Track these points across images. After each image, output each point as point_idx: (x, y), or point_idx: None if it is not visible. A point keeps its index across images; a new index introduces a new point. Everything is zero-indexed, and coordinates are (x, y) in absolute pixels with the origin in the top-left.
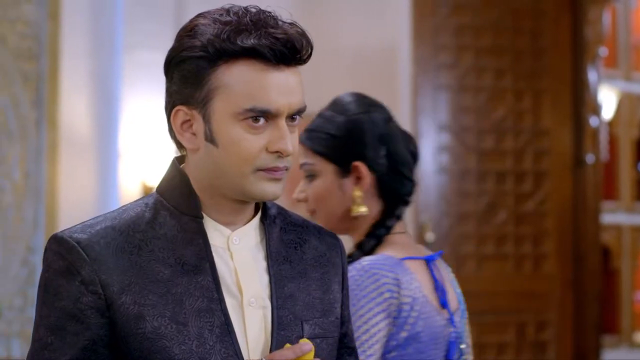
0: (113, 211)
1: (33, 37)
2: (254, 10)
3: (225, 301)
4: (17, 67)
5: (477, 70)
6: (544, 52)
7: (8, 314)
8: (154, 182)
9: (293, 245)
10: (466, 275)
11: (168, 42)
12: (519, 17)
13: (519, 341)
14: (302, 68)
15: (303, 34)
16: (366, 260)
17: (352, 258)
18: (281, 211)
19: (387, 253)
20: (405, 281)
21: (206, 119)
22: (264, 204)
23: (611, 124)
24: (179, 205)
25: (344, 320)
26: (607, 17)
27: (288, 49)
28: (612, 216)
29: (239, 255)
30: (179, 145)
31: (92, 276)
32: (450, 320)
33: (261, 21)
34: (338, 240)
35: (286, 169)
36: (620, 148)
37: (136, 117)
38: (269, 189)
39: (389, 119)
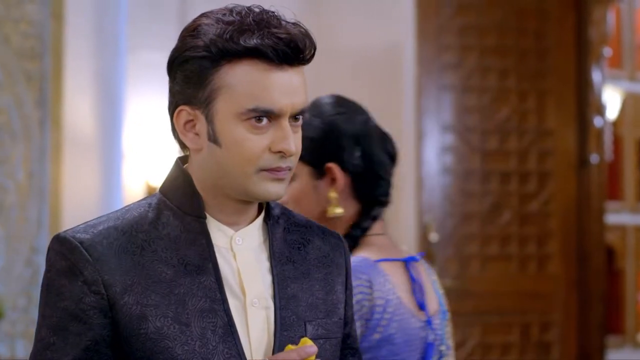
0: (116, 211)
1: (36, 37)
2: (257, 10)
3: (228, 302)
4: (21, 66)
5: (481, 71)
6: (548, 52)
7: (12, 314)
8: (158, 182)
9: (296, 245)
10: (470, 275)
11: (172, 43)
12: (523, 17)
13: (523, 341)
14: (306, 68)
15: (306, 34)
16: None
17: None
18: (285, 211)
19: (362, 255)
20: (378, 283)
21: (209, 119)
22: (268, 204)
23: (615, 124)
24: (182, 205)
25: (347, 321)
26: (611, 18)
27: (291, 49)
28: (617, 216)
29: (242, 256)
30: (182, 146)
31: (95, 276)
32: (428, 322)
33: (264, 21)
34: (342, 240)
35: (289, 169)
36: (624, 148)
37: (140, 117)
38: (272, 189)
39: (366, 120)
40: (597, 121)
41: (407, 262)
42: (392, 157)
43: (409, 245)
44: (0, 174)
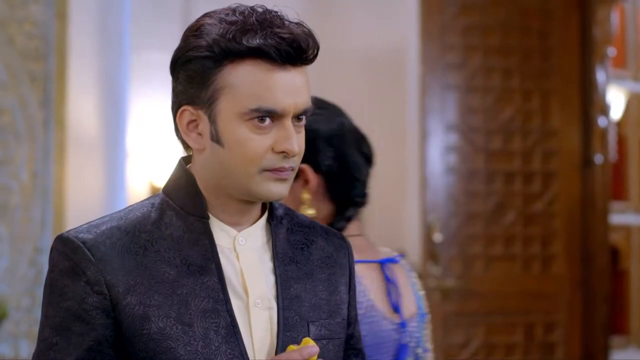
0: (119, 211)
1: (40, 37)
2: (260, 9)
3: (231, 302)
4: (25, 67)
5: (485, 70)
6: (552, 52)
7: (16, 314)
8: (162, 182)
9: (300, 246)
10: (474, 275)
11: (176, 42)
12: (527, 17)
13: (527, 342)
14: (310, 68)
15: (309, 34)
16: None
17: None
18: (288, 212)
19: None
20: None
21: (212, 119)
22: (271, 204)
23: (620, 124)
24: (185, 205)
25: (351, 322)
26: (615, 17)
27: (294, 49)
28: (621, 217)
29: (245, 256)
30: (185, 145)
31: (98, 276)
32: (402, 325)
33: (267, 21)
34: (345, 241)
35: (292, 169)
36: (629, 148)
37: (144, 117)
38: (274, 189)
39: (342, 121)
40: (601, 121)
41: (383, 264)
42: (368, 158)
43: (412, 245)
44: (4, 174)
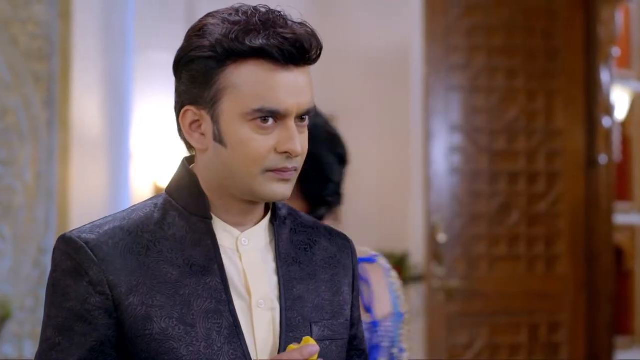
0: (122, 211)
1: (44, 38)
2: (263, 10)
3: (233, 302)
4: (28, 67)
5: (489, 71)
6: (557, 52)
7: (19, 314)
8: (166, 182)
9: (303, 246)
10: (478, 276)
11: (179, 43)
12: (531, 17)
13: (531, 342)
14: (314, 69)
15: (312, 34)
16: None
17: None
18: (292, 212)
19: None
20: None
21: (215, 119)
22: (274, 204)
23: (624, 124)
24: (188, 205)
25: (354, 322)
26: (620, 17)
27: (297, 49)
28: (625, 217)
29: (248, 257)
30: (188, 146)
31: (100, 277)
32: (373, 325)
33: (270, 21)
34: (349, 241)
35: (295, 170)
36: (633, 148)
37: (148, 118)
38: (277, 189)
39: (315, 121)
40: (605, 121)
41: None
42: (342, 158)
43: (416, 246)
44: (8, 174)
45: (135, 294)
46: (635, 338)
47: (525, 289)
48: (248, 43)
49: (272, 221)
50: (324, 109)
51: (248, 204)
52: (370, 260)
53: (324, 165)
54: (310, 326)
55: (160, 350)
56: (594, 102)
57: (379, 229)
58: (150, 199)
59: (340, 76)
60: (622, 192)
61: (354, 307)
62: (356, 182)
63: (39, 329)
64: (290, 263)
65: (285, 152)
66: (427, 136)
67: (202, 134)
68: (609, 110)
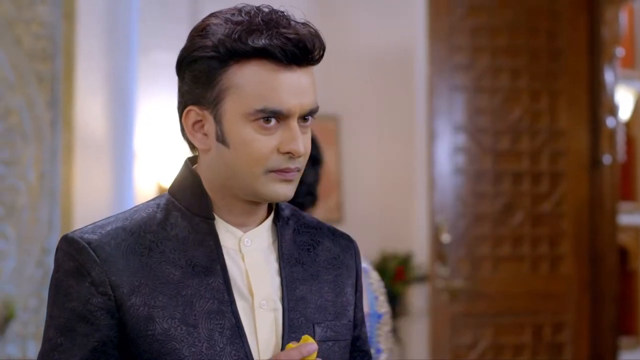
0: (124, 212)
1: (48, 38)
2: (266, 10)
3: (235, 303)
4: (32, 68)
5: (492, 71)
6: (560, 52)
7: (23, 315)
8: (169, 182)
9: (306, 247)
10: (482, 276)
11: (183, 43)
12: (535, 17)
13: (535, 342)
14: (317, 69)
15: (315, 34)
16: None
17: None
18: (295, 212)
19: None
20: None
21: (217, 120)
22: (277, 205)
23: (628, 124)
24: (190, 206)
25: (357, 323)
26: (624, 17)
27: (299, 49)
28: (629, 217)
29: (251, 257)
30: (191, 146)
31: (102, 277)
32: None
33: (273, 21)
34: (352, 242)
35: (298, 170)
36: (637, 149)
37: (151, 118)
38: (280, 190)
39: None
40: (609, 121)
41: None
42: (315, 159)
43: (420, 246)
44: (11, 175)
45: (137, 295)
46: (639, 338)
47: (529, 289)
48: (250, 43)
49: (275, 222)
50: (328, 109)
51: (251, 205)
52: None
53: None
54: (313, 327)
55: (162, 351)
56: (598, 102)
57: (383, 229)
58: (153, 199)
59: (343, 76)
60: (626, 193)
61: (357, 308)
62: (360, 182)
63: (42, 330)
64: (293, 264)
65: (288, 153)
66: (431, 136)
67: (205, 134)
68: (613, 110)
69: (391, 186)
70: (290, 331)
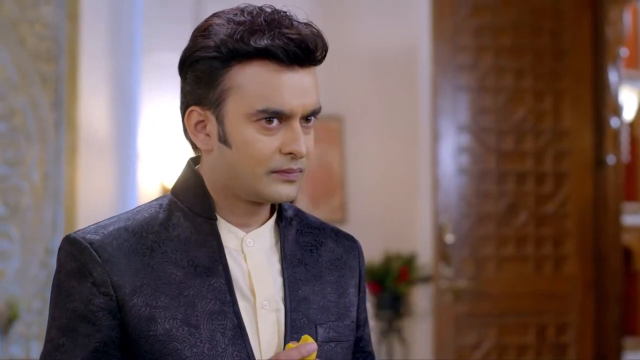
0: (127, 212)
1: (52, 39)
2: (268, 10)
3: (238, 304)
4: (36, 68)
5: (496, 71)
6: (564, 52)
7: (27, 316)
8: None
9: (309, 247)
10: (486, 276)
11: (186, 44)
12: (539, 17)
13: (539, 343)
14: (321, 69)
15: (318, 34)
16: None
17: None
18: (298, 213)
19: None
20: None
21: (219, 120)
22: (280, 205)
23: (632, 124)
24: (193, 206)
25: (360, 324)
26: (628, 18)
27: (302, 50)
28: (633, 217)
29: (253, 258)
30: (194, 146)
31: (104, 277)
32: None
33: (275, 21)
34: (356, 242)
35: (300, 171)
36: None
37: (155, 119)
38: (282, 190)
39: None
40: (613, 122)
41: None
42: None
43: (424, 246)
44: (15, 175)
45: (139, 295)
46: None
47: (533, 290)
48: (253, 43)
49: (277, 222)
50: (331, 109)
51: (253, 205)
52: None
53: None
54: (316, 328)
55: (164, 352)
56: (601, 102)
57: (387, 229)
58: (156, 199)
59: (347, 76)
60: (630, 193)
61: (360, 308)
62: (364, 182)
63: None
64: (295, 264)
65: (290, 153)
66: (435, 136)
67: (207, 135)
68: (616, 110)
69: (395, 186)
70: (293, 332)
